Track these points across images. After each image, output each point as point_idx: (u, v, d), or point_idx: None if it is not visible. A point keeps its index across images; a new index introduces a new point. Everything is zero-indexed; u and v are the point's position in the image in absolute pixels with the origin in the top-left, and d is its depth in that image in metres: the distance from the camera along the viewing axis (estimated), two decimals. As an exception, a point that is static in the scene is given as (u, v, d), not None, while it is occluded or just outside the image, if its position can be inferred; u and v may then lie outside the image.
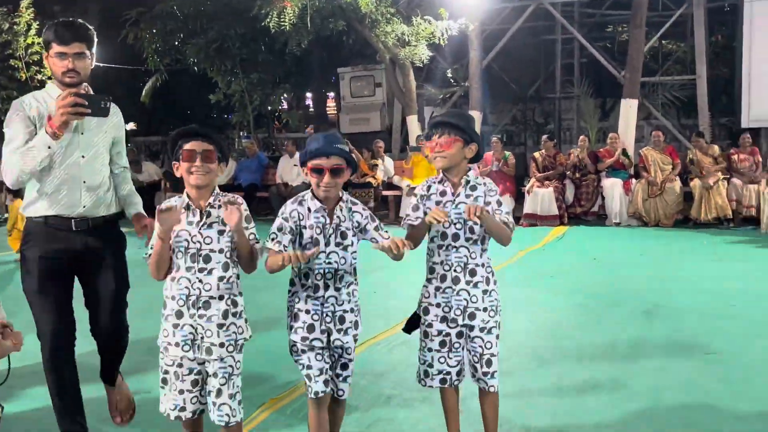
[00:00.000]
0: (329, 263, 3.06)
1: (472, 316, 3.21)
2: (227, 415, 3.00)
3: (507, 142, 15.08)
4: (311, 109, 21.16)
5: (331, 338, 3.08)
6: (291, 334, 3.12)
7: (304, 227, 3.07)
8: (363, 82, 16.30)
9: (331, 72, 18.22)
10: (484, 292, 3.22)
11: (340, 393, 3.21)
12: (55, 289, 3.32)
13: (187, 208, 2.99)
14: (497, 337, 3.27)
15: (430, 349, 3.29)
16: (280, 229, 3.06)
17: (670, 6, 15.08)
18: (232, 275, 3.03)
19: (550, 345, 5.26)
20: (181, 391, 3.02)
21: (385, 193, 13.15)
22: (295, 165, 13.67)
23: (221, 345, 2.98)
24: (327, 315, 3.07)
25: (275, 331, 4.94)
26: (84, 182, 3.35)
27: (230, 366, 3.02)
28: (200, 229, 2.99)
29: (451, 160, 3.19)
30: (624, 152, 12.23)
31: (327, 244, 3.06)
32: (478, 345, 3.23)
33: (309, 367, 3.09)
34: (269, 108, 17.08)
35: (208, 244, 2.99)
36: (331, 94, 21.08)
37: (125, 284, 3.59)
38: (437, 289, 3.26)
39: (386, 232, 3.16)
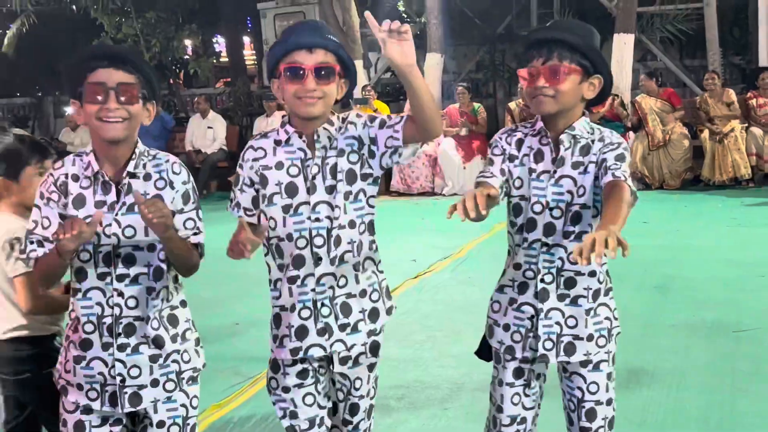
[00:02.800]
0: (317, 220, 2.57)
1: (569, 350, 2.65)
2: None
3: (473, 93, 15.30)
4: (223, 57, 21.03)
5: (331, 341, 2.62)
6: (276, 348, 2.67)
7: (269, 168, 2.59)
8: (291, 20, 16.23)
9: (249, 8, 18.13)
10: (588, 312, 2.66)
11: None
12: None
13: (94, 179, 2.52)
14: (610, 377, 2.72)
15: (501, 382, 2.76)
16: (237, 185, 2.66)
17: None
18: (168, 281, 2.61)
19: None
20: None
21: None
22: (209, 127, 13.66)
23: (154, 384, 2.57)
24: (323, 305, 2.61)
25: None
26: None
27: (182, 406, 2.63)
28: (117, 213, 2.50)
29: (564, 101, 2.58)
30: (620, 101, 12.54)
31: (311, 191, 2.57)
32: (576, 385, 2.70)
33: (293, 415, 2.69)
34: (170, 57, 16.96)
35: (130, 237, 2.50)
36: (248, 40, 21.01)
37: None
38: (511, 302, 2.72)
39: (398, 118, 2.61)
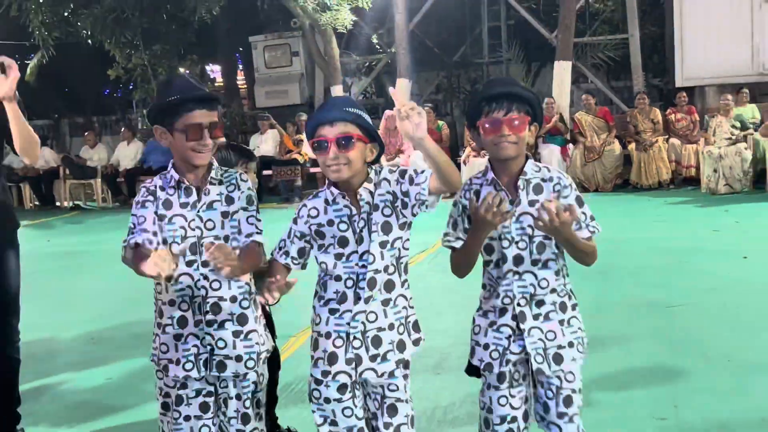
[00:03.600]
0: (364, 266, 2.57)
1: (558, 360, 2.65)
2: None
3: (435, 113, 15.56)
4: (218, 82, 21.08)
5: (359, 370, 2.60)
6: (311, 367, 2.68)
7: (323, 225, 2.63)
8: (278, 51, 16.43)
9: (241, 41, 18.23)
10: (562, 323, 2.68)
11: None
12: None
13: (178, 186, 2.69)
14: (581, 370, 2.74)
15: (488, 386, 2.73)
16: (288, 236, 2.68)
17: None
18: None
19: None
20: (188, 418, 2.71)
21: (312, 170, 13.37)
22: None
23: (238, 359, 2.70)
24: (355, 338, 2.60)
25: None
26: None
27: (254, 383, 2.75)
28: (199, 211, 2.68)
29: (522, 146, 2.62)
30: (560, 117, 12.89)
31: (360, 242, 2.58)
32: (555, 375, 2.67)
33: (333, 423, 2.65)
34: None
35: (211, 229, 2.67)
36: (241, 66, 21.05)
37: None
38: (491, 325, 2.72)
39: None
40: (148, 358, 2.81)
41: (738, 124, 11.66)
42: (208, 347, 2.65)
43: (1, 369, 3.60)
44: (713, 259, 7.01)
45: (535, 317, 2.65)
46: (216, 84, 20.34)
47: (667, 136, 12.17)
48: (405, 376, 2.67)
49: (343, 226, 2.58)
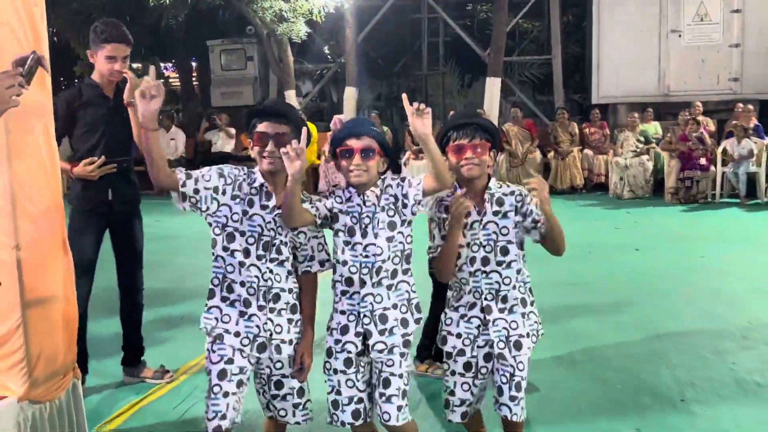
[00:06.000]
0: (366, 257, 2.88)
1: (518, 345, 3.02)
2: (311, 411, 3.06)
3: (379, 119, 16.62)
4: (174, 84, 21.63)
5: (371, 342, 2.89)
6: (327, 336, 3.00)
7: (342, 212, 2.94)
8: (234, 55, 17.23)
9: (197, 44, 18.95)
10: (523, 315, 3.06)
11: (385, 417, 2.92)
12: None
13: (260, 189, 2.91)
14: (529, 360, 3.08)
15: (453, 372, 3.12)
16: (319, 200, 2.97)
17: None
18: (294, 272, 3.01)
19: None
20: (227, 394, 2.87)
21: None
22: (171, 139, 14.50)
23: (290, 342, 2.95)
24: (365, 315, 2.90)
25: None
26: None
27: (302, 363, 3.00)
28: (275, 215, 2.89)
29: (484, 167, 3.00)
30: (490, 127, 14.11)
31: (364, 235, 2.89)
32: (509, 363, 3.02)
33: (338, 392, 2.97)
34: (138, 84, 17.57)
35: (280, 234, 2.91)
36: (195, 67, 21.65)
37: None
38: (462, 317, 3.08)
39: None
40: None
41: (642, 139, 13.09)
42: (268, 332, 2.89)
43: (131, 311, 4.43)
44: (612, 251, 8.29)
45: (501, 311, 3.01)
46: (171, 85, 20.92)
47: (581, 147, 13.51)
48: (402, 354, 2.93)
49: (353, 220, 2.90)
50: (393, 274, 2.92)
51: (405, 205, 2.93)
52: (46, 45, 3.35)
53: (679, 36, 14.56)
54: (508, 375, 3.01)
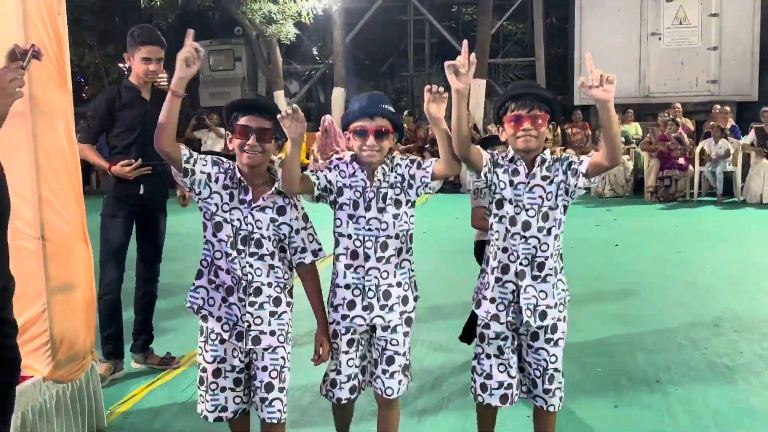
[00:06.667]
0: (369, 230, 2.91)
1: (543, 315, 2.92)
2: (279, 411, 2.93)
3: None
4: (162, 84, 21.78)
5: (371, 316, 2.92)
6: (331, 312, 3.00)
7: (345, 186, 2.94)
8: (222, 56, 17.49)
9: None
10: (554, 285, 2.94)
11: (388, 392, 2.99)
12: None
13: (239, 183, 2.86)
14: (563, 351, 3.03)
15: (488, 356, 3.01)
16: (321, 171, 2.96)
17: (510, -8, 17.62)
18: (283, 265, 2.96)
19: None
20: (224, 389, 2.94)
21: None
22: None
23: (272, 333, 2.91)
24: (369, 289, 2.92)
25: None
26: None
27: (281, 358, 2.95)
28: (252, 210, 2.86)
29: (541, 140, 2.89)
30: (475, 127, 14.44)
31: (368, 209, 2.91)
32: (542, 357, 2.98)
33: (338, 372, 2.99)
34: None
35: (259, 228, 2.88)
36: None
37: None
38: (497, 281, 2.96)
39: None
40: None
41: (623, 139, 13.43)
42: (246, 324, 2.87)
43: (146, 300, 4.68)
44: (593, 246, 8.60)
45: (534, 278, 2.90)
46: (160, 85, 21.06)
47: (564, 147, 13.84)
48: (405, 333, 3.00)
49: (357, 194, 2.92)
50: (399, 252, 2.96)
51: (411, 186, 2.96)
52: (67, 51, 3.61)
53: (659, 39, 15.00)
54: (541, 369, 2.99)
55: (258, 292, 2.88)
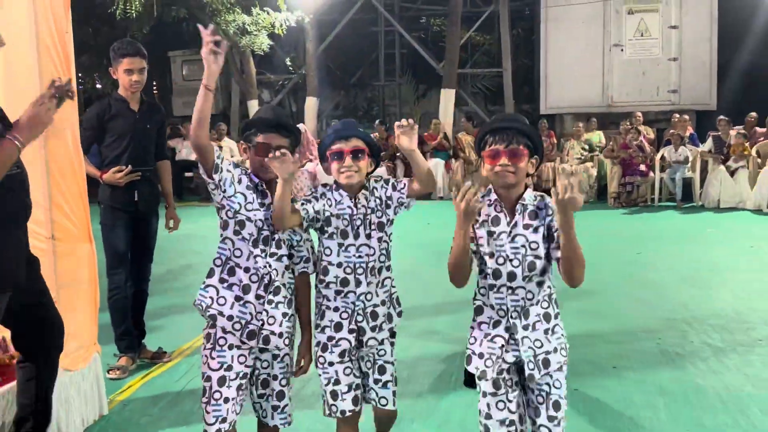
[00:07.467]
0: (360, 257, 2.93)
1: (546, 364, 2.74)
2: (289, 415, 3.06)
3: (334, 127, 17.25)
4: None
5: (364, 338, 2.97)
6: (317, 333, 3.00)
7: (333, 215, 2.95)
8: (196, 66, 17.67)
9: (157, 55, 19.32)
10: (546, 332, 2.76)
11: (382, 401, 3.06)
12: None
13: (256, 189, 2.95)
14: (565, 375, 2.82)
15: (485, 394, 2.78)
16: (308, 201, 2.94)
17: (478, 3, 18.10)
18: (290, 271, 3.03)
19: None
20: (227, 400, 2.90)
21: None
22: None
23: (280, 335, 2.94)
24: (358, 313, 2.95)
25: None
26: None
27: (287, 365, 3.03)
28: (270, 212, 2.91)
29: (520, 175, 2.71)
30: (444, 136, 14.87)
31: (356, 237, 2.94)
32: (545, 383, 2.77)
33: (336, 382, 2.96)
34: (109, 92, 17.90)
35: (278, 231, 2.94)
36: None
37: None
38: (486, 336, 2.79)
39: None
40: None
41: (587, 147, 13.97)
42: (260, 322, 2.91)
43: (138, 299, 4.97)
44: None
45: (524, 328, 2.73)
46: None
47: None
48: (392, 344, 3.10)
49: (344, 222, 2.94)
50: (380, 271, 2.99)
51: (388, 206, 3.00)
52: (73, 67, 3.94)
53: (622, 50, 15.54)
54: (544, 394, 2.78)
55: (277, 290, 2.93)
